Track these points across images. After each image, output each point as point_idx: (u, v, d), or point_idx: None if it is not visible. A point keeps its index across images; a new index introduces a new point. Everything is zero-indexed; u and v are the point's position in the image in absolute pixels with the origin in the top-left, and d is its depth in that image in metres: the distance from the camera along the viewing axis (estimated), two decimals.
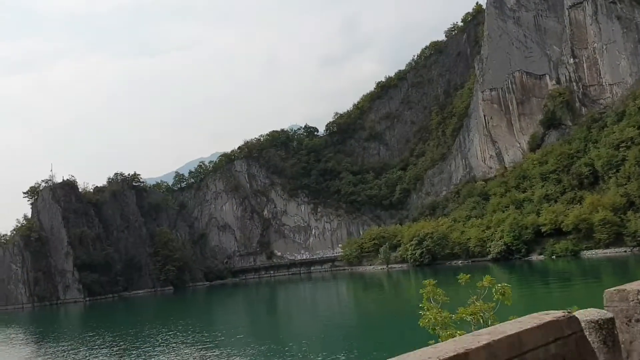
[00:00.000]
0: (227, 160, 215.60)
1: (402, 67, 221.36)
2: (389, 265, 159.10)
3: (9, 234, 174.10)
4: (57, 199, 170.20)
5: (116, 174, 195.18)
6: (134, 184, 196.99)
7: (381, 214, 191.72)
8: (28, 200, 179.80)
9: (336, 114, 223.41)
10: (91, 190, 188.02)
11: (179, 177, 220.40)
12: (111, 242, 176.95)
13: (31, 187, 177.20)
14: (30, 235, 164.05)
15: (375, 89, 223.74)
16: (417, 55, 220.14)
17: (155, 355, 53.87)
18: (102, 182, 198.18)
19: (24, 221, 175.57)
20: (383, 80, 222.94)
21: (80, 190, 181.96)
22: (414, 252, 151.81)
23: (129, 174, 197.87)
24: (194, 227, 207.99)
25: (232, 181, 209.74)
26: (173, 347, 57.15)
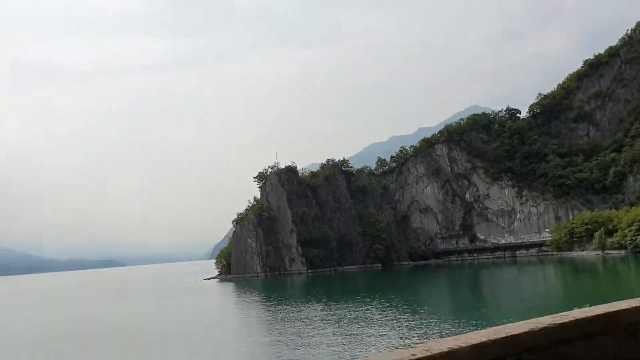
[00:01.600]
0: (427, 144, 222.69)
1: (601, 43, 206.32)
2: (605, 251, 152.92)
3: (243, 212, 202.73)
4: (282, 182, 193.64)
5: (328, 160, 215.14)
6: (343, 168, 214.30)
7: (592, 198, 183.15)
8: (257, 184, 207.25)
9: (539, 95, 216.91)
10: (307, 175, 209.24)
11: (380, 161, 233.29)
12: (326, 222, 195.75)
13: (260, 173, 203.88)
14: (262, 214, 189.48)
15: (582, 67, 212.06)
16: (632, 30, 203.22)
17: (361, 320, 61.62)
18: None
19: (254, 202, 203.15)
20: (591, 57, 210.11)
21: (299, 175, 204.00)
22: (634, 237, 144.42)
23: (338, 160, 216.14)
24: (396, 209, 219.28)
25: (432, 165, 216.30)
26: (375, 318, 63.52)
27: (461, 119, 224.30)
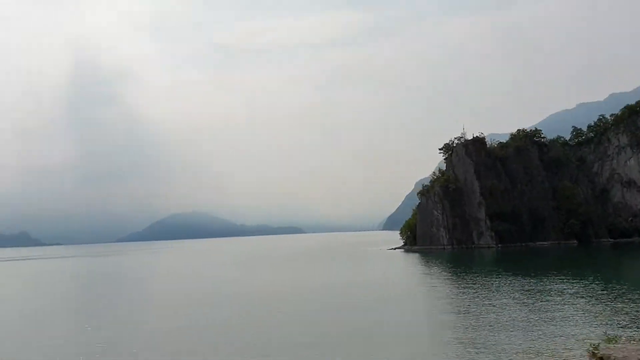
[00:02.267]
0: (630, 112, 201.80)
1: None
2: None
3: (428, 184, 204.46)
4: (469, 154, 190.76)
5: (518, 130, 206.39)
6: (535, 139, 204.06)
7: None
8: (443, 156, 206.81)
9: None
10: (495, 146, 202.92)
11: (576, 131, 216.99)
12: (516, 195, 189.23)
13: (445, 144, 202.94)
14: (447, 186, 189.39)
15: None
16: None
17: (553, 302, 58.59)
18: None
19: (439, 174, 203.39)
20: None
21: (488, 146, 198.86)
22: None
23: (529, 130, 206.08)
24: (594, 182, 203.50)
25: (637, 135, 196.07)
26: (568, 299, 60.03)
27: None
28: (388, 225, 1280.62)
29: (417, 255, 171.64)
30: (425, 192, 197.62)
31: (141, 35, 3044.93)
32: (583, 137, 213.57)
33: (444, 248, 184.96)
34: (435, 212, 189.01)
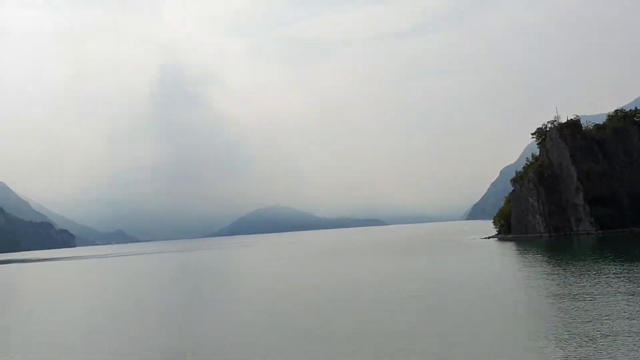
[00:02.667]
0: None
1: None
2: None
3: (521, 170, 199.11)
4: (564, 137, 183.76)
5: (616, 110, 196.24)
6: (635, 119, 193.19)
7: None
8: (536, 140, 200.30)
9: None
10: (590, 128, 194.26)
11: None
12: (616, 178, 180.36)
13: (538, 129, 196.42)
14: (542, 172, 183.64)
15: None
16: None
17: None
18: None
19: (533, 159, 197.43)
20: None
21: (583, 128, 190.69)
22: None
23: (630, 110, 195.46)
24: None
25: None
26: None
27: None
28: (473, 214, 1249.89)
29: (513, 244, 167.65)
30: (519, 178, 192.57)
31: (220, 36, 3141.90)
32: None
33: (541, 236, 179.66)
34: (530, 199, 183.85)
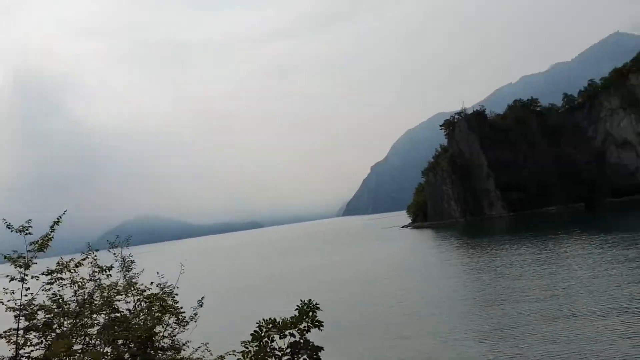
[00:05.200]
0: (618, 75, 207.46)
1: None
2: None
3: (431, 161, 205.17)
4: (472, 128, 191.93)
5: (515, 100, 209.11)
6: (532, 108, 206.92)
7: None
8: (444, 132, 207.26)
9: None
10: (495, 118, 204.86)
11: (567, 98, 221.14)
12: (521, 164, 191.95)
13: (446, 120, 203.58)
14: (455, 161, 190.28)
15: None
16: None
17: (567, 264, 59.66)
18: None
19: (442, 150, 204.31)
20: None
21: (488, 118, 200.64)
22: None
23: (527, 100, 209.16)
24: (590, 146, 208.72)
25: (628, 96, 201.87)
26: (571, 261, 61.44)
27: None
28: (348, 211, 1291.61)
29: (432, 230, 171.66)
30: (431, 168, 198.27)
31: (80, 40, 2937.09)
32: (574, 103, 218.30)
33: (456, 221, 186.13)
34: (445, 187, 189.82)
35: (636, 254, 58.40)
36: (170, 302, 10.99)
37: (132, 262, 11.64)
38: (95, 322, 10.25)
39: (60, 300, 10.19)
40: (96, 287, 10.65)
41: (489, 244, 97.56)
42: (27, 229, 9.63)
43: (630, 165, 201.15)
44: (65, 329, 9.79)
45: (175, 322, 10.94)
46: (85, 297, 10.42)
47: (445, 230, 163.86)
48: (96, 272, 10.85)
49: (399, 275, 71.72)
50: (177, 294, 11.37)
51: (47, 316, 9.76)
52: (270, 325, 7.92)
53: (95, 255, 11.12)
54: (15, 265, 9.53)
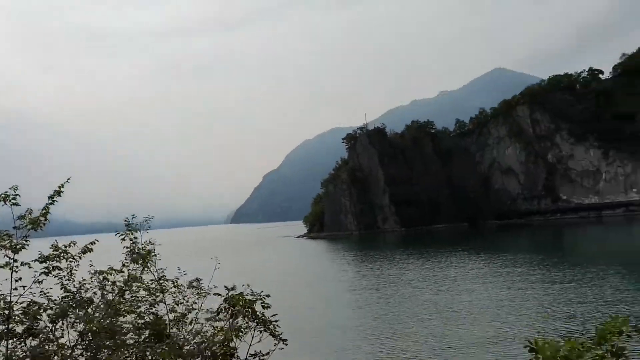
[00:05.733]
0: (507, 106, 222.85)
1: None
2: None
3: (332, 172, 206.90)
4: (373, 143, 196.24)
5: (413, 121, 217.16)
6: (427, 130, 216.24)
7: None
8: (346, 145, 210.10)
9: (623, 54, 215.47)
10: (392, 135, 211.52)
11: (459, 123, 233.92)
12: (415, 182, 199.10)
13: (348, 134, 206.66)
14: (355, 174, 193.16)
15: None
16: None
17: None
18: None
19: (342, 162, 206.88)
20: None
21: (388, 136, 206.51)
22: None
23: (424, 122, 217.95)
24: (477, 170, 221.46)
25: (514, 126, 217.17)
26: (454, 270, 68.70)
27: (542, 80, 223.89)
28: (236, 218, 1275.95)
29: (329, 241, 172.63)
30: (332, 180, 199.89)
31: None
32: (465, 129, 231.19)
33: (352, 233, 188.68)
34: (343, 200, 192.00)
35: (502, 268, 67.16)
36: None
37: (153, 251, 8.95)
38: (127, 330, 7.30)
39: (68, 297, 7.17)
40: (129, 281, 7.73)
41: (380, 256, 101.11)
42: (13, 198, 6.53)
43: (512, 191, 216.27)
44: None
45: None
46: (115, 294, 7.51)
47: (340, 241, 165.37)
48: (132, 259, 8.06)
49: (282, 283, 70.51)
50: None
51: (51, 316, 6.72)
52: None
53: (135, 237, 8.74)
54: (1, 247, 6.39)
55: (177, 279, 9.89)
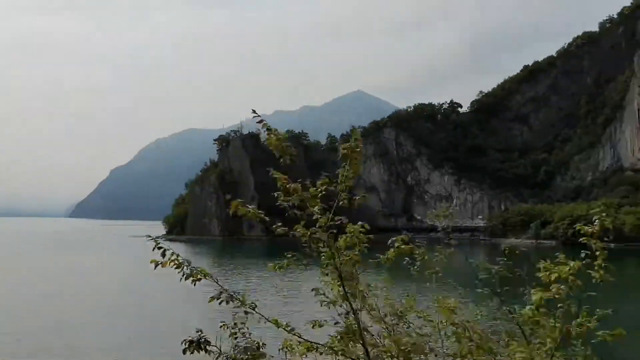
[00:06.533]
0: (376, 127, 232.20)
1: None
2: (538, 241, 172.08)
3: (199, 173, 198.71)
4: (246, 148, 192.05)
5: (287, 131, 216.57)
6: (300, 141, 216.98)
7: (524, 192, 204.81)
8: (217, 147, 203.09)
9: (480, 92, 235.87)
10: (266, 141, 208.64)
11: (330, 138, 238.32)
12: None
13: (221, 136, 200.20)
14: (224, 178, 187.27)
15: (521, 71, 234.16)
16: (568, 44, 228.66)
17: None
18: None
19: (211, 164, 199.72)
20: (530, 64, 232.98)
21: (262, 141, 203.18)
22: (565, 230, 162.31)
23: (298, 132, 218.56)
24: None
25: (381, 147, 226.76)
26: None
27: (408, 107, 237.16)
28: (77, 212, 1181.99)
29: (190, 244, 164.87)
30: (200, 181, 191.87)
31: None
32: (335, 144, 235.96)
33: (215, 238, 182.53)
34: (210, 203, 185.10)
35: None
36: None
37: None
38: None
39: None
40: None
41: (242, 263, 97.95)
42: None
43: (373, 208, 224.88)
44: None
45: None
46: None
47: (201, 246, 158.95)
48: None
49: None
50: None
51: None
52: None
53: None
54: None
55: None
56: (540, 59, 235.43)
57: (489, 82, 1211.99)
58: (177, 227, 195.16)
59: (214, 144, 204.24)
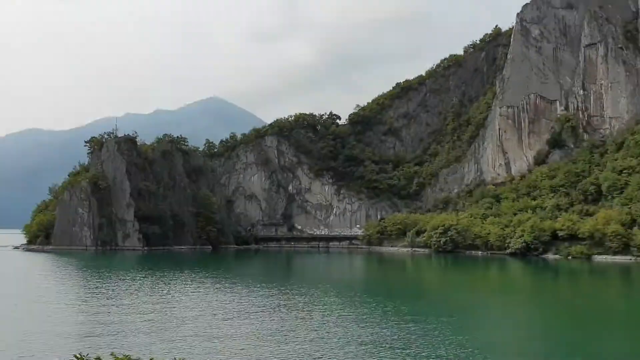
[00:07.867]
0: (258, 134, 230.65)
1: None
2: (413, 249, 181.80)
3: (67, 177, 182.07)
4: (121, 152, 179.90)
5: (165, 134, 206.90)
6: (179, 146, 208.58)
7: (398, 202, 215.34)
8: (88, 149, 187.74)
9: (357, 106, 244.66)
10: (142, 145, 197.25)
11: (209, 144, 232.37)
12: (161, 199, 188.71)
13: (93, 137, 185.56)
14: (97, 183, 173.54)
15: (394, 88, 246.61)
16: (437, 65, 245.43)
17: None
18: None
19: (81, 168, 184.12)
20: (402, 82, 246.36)
21: (138, 145, 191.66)
22: (438, 239, 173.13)
23: (176, 137, 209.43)
24: (222, 193, 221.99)
25: (262, 155, 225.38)
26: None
27: (290, 116, 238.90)
28: None
29: (55, 255, 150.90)
30: (67, 187, 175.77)
31: None
32: (214, 151, 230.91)
33: (87, 249, 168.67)
34: (81, 210, 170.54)
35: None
36: None
37: None
38: None
39: None
40: None
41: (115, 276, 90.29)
42: None
43: (253, 217, 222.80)
44: None
45: None
46: None
47: (68, 257, 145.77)
48: None
49: None
50: None
51: None
52: None
53: None
54: None
55: None
56: (411, 77, 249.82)
57: (345, 98, 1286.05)
58: (40, 237, 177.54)
59: (85, 145, 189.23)
